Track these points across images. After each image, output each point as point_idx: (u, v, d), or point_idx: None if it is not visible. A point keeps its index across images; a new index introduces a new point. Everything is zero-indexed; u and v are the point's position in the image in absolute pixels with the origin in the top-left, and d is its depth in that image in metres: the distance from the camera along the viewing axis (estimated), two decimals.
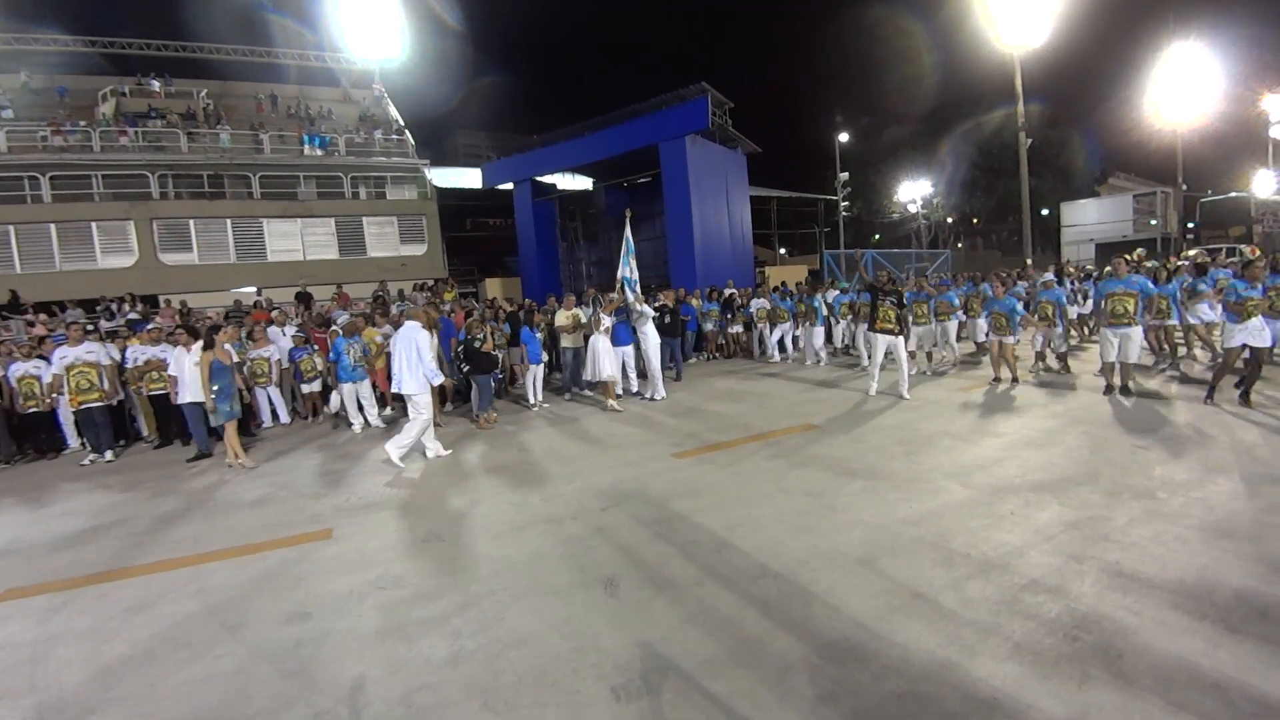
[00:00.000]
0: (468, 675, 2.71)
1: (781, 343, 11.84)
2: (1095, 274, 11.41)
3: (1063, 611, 2.89)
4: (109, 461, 7.45)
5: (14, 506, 5.97)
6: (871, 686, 2.46)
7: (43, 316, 13.32)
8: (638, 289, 9.06)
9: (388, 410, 8.77)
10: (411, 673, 2.77)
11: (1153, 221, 31.58)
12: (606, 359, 8.10)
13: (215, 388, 6.51)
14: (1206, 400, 6.50)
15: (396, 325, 9.56)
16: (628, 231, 9.27)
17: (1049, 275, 10.20)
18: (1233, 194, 34.78)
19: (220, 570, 4.10)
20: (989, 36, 21.84)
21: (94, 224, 18.83)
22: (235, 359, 7.25)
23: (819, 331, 11.11)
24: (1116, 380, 7.20)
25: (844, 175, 31.04)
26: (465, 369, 8.03)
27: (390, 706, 2.55)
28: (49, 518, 5.52)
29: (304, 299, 14.86)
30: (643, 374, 9.43)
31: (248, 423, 8.55)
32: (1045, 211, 39.24)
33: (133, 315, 12.97)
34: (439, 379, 6.25)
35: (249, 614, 3.45)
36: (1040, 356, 8.92)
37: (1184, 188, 33.27)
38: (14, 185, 18.43)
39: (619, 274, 9.02)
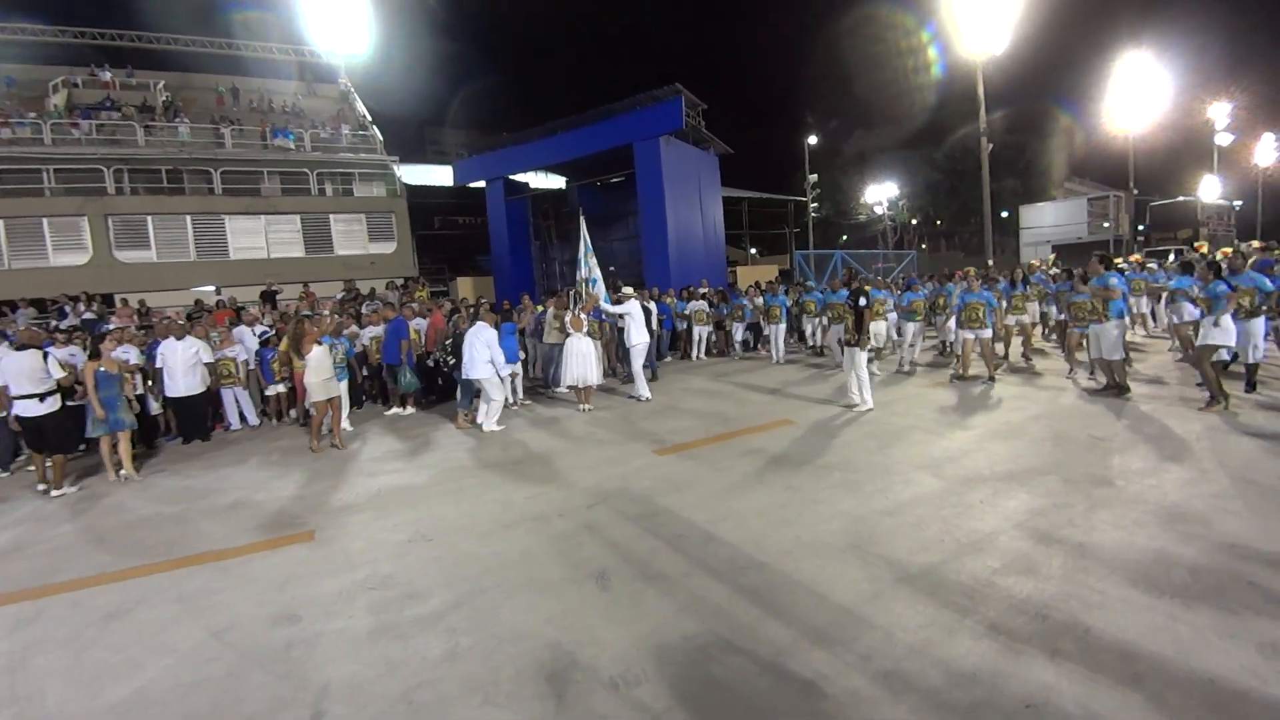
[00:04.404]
0: (467, 671, 2.75)
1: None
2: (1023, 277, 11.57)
3: (1033, 592, 3.06)
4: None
5: None
6: (860, 666, 2.58)
7: None
8: (600, 288, 9.10)
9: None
10: (409, 671, 2.79)
11: (1105, 224, 32.90)
12: (585, 361, 8.10)
13: (100, 398, 6.22)
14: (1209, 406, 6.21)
15: (363, 325, 9.53)
16: (584, 232, 9.31)
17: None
18: (1181, 198, 36.44)
19: (200, 574, 4.03)
20: (953, 44, 22.48)
21: (45, 220, 18.00)
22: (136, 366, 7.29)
23: (781, 329, 11.37)
24: (1102, 378, 7.39)
25: (813, 177, 31.56)
26: (450, 364, 7.99)
27: (391, 704, 2.57)
28: (7, 527, 5.31)
29: (269, 298, 14.53)
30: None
31: (212, 425, 8.37)
32: (1005, 214, 40.49)
33: (89, 315, 12.50)
34: (506, 369, 7.70)
35: (235, 618, 3.41)
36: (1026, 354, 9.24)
37: (1135, 192, 34.70)
38: None
39: (579, 274, 9.09)
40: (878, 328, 9.74)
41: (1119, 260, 11.93)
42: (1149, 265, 14.64)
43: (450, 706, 2.53)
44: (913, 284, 11.09)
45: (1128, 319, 7.76)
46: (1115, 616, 2.80)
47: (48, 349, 6.92)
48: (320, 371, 7.00)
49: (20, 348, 6.49)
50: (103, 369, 6.34)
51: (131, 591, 3.85)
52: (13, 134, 18.46)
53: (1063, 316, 9.11)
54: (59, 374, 6.45)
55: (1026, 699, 2.34)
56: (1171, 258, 18.18)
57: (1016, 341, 10.25)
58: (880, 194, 40.82)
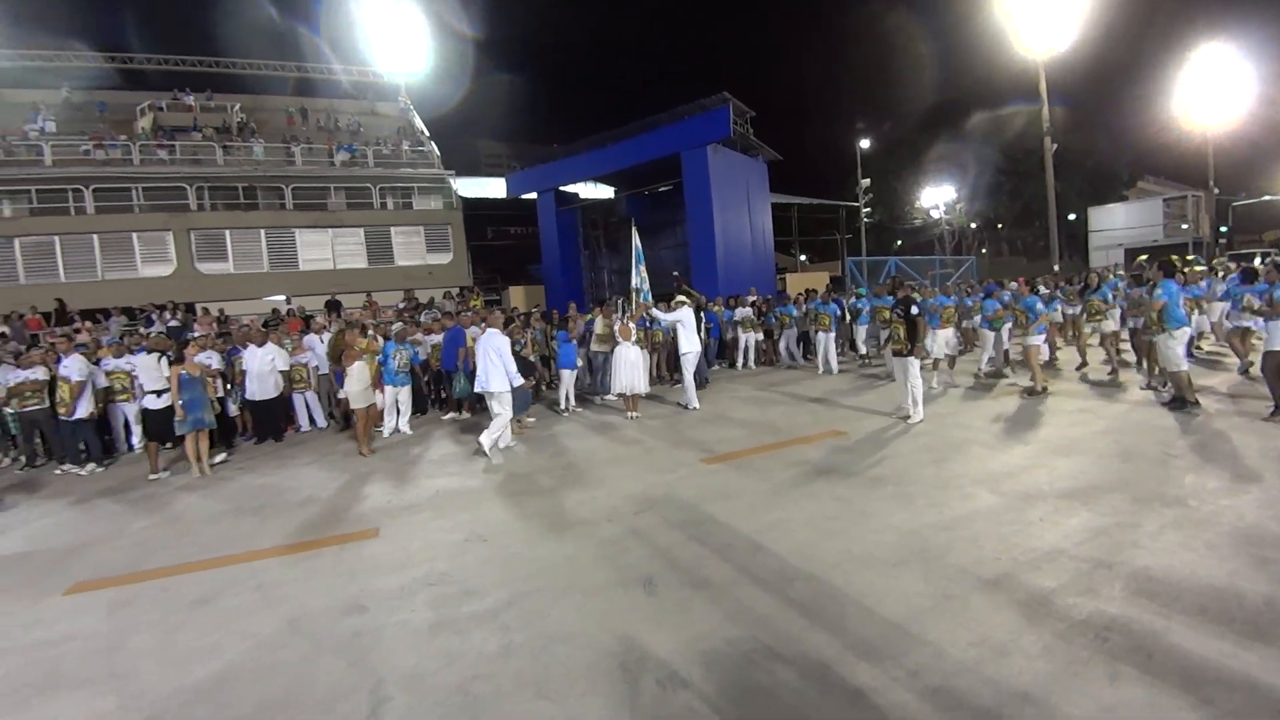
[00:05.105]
0: (519, 667, 2.88)
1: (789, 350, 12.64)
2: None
3: (1093, 614, 2.97)
4: (82, 475, 7.45)
5: (66, 508, 6.24)
6: (907, 681, 2.57)
7: (88, 324, 13.85)
8: (648, 297, 9.21)
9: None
10: (466, 664, 2.94)
11: (1184, 226, 31.00)
12: (633, 370, 8.22)
13: (183, 399, 6.81)
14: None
15: (428, 333, 9.93)
16: (635, 241, 9.42)
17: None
18: (1266, 197, 34.01)
19: (275, 566, 4.32)
20: (1012, 41, 21.73)
21: (134, 234, 19.51)
22: (212, 370, 7.76)
23: (830, 338, 11.18)
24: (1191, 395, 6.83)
25: (865, 181, 30.93)
26: None
27: (449, 694, 2.72)
28: (103, 517, 5.81)
29: (334, 307, 15.27)
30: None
31: (284, 427, 8.90)
32: (1072, 216, 38.67)
33: (174, 323, 13.46)
34: (519, 381, 7.05)
35: (307, 608, 3.65)
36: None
37: (1216, 191, 32.59)
38: (59, 197, 19.17)
39: (632, 284, 9.21)
40: (946, 336, 9.48)
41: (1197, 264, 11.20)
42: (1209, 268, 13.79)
43: (504, 699, 2.66)
44: (991, 290, 10.63)
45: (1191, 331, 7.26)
46: (1180, 642, 2.69)
47: (139, 352, 7.76)
48: (360, 381, 7.39)
49: (149, 351, 7.69)
50: (186, 373, 6.90)
51: (215, 580, 4.16)
52: (106, 155, 20.05)
53: (1136, 323, 8.72)
54: (167, 372, 7.25)
55: None
56: (1258, 260, 16.97)
57: (1093, 352, 9.85)
58: (937, 197, 39.63)
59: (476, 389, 7.16)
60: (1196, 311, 9.34)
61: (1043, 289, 11.26)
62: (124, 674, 3.17)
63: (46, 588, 4.25)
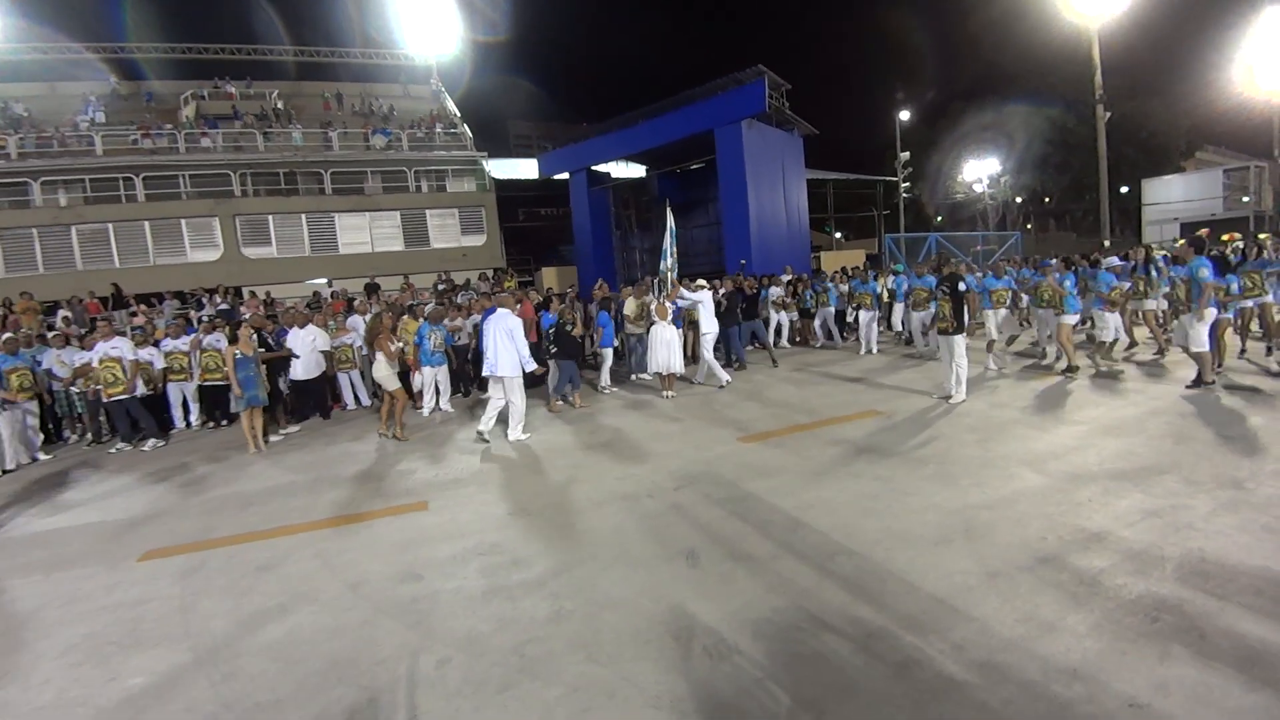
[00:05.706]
0: (570, 632, 3.00)
1: (826, 328, 12.63)
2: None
3: (1143, 594, 2.94)
4: (145, 451, 7.77)
5: (133, 482, 6.59)
6: (952, 654, 2.60)
7: (143, 307, 14.46)
8: (673, 276, 9.18)
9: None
10: (519, 628, 3.07)
11: (1245, 198, 29.29)
12: (670, 349, 8.27)
13: (239, 377, 7.10)
14: None
15: (467, 315, 10.10)
16: (670, 222, 9.38)
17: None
18: None
19: (333, 536, 4.53)
20: (1062, 4, 20.71)
21: (183, 221, 20.22)
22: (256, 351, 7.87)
23: (873, 317, 10.97)
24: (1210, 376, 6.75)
25: (905, 155, 29.99)
26: (553, 351, 8.13)
27: (505, 655, 2.86)
28: (167, 491, 6.13)
29: (373, 290, 15.63)
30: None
31: (331, 405, 9.23)
32: (1125, 189, 36.94)
33: (223, 306, 13.96)
34: (531, 365, 6.76)
35: (366, 574, 3.84)
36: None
37: None
38: (111, 186, 19.94)
39: (664, 264, 9.18)
40: (998, 318, 9.28)
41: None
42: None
43: (557, 661, 2.78)
44: (1044, 265, 10.34)
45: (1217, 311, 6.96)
46: (1234, 624, 2.65)
47: (191, 333, 8.17)
48: (384, 367, 7.35)
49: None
50: (240, 353, 7.18)
51: (277, 548, 4.39)
52: (153, 144, 20.71)
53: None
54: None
55: (1131, 698, 2.29)
56: None
57: (1140, 333, 9.54)
58: (980, 170, 38.22)
59: (485, 372, 6.79)
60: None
61: (1115, 261, 10.83)
62: (198, 633, 3.39)
63: (121, 554, 4.53)
